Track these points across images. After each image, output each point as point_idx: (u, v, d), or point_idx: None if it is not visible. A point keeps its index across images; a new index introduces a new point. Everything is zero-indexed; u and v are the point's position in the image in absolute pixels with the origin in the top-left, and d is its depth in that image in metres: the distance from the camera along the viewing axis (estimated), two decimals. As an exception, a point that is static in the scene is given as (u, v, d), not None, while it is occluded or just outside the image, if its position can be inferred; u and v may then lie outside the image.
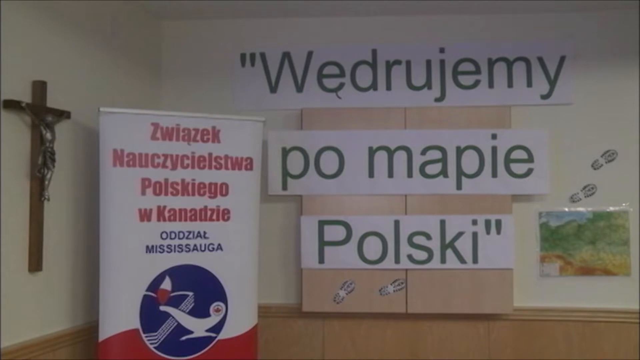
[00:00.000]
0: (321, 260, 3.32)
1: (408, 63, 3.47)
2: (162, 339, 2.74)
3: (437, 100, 3.45)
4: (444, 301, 3.27)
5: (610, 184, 3.33)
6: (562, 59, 3.40)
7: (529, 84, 3.41)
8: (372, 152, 3.33)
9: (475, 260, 3.26)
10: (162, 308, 2.75)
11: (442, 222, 3.29)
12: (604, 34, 3.37)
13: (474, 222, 3.27)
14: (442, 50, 3.46)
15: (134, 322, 2.69)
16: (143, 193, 2.73)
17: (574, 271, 3.34)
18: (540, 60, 3.41)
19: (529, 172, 3.29)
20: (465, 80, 3.44)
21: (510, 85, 3.42)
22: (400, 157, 3.33)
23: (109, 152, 2.66)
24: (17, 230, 2.37)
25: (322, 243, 3.32)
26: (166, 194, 2.78)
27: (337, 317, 3.39)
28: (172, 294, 2.77)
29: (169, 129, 2.81)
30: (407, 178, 3.32)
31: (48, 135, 2.44)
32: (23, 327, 2.40)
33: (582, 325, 3.28)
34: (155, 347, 2.72)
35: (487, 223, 3.27)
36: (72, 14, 2.73)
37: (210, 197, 2.88)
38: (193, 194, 2.85)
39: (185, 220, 2.83)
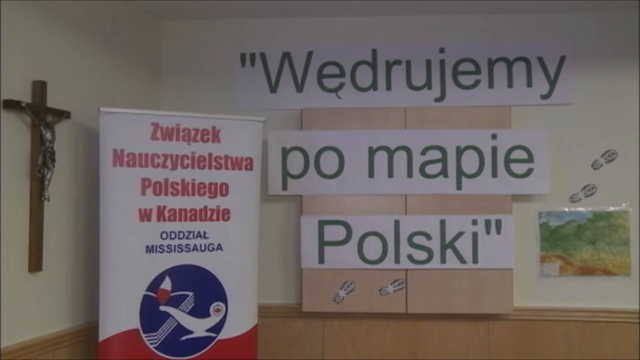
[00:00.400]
0: (321, 260, 3.32)
1: (408, 63, 3.47)
2: (162, 339, 2.74)
3: (437, 100, 3.45)
4: (444, 301, 3.27)
5: (610, 184, 3.33)
6: (562, 59, 3.40)
7: (529, 84, 3.41)
8: (372, 152, 3.33)
9: (475, 260, 3.26)
10: (162, 308, 2.75)
11: (442, 222, 3.29)
12: (604, 34, 3.37)
13: (474, 222, 3.27)
14: (442, 50, 3.46)
15: (134, 322, 2.68)
16: (143, 193, 2.73)
17: (574, 271, 3.34)
18: (540, 60, 3.41)
19: (529, 172, 3.29)
20: (465, 80, 3.44)
21: (510, 85, 3.42)
22: (400, 157, 3.33)
23: (109, 152, 2.66)
24: (17, 230, 2.37)
25: (322, 243, 3.32)
26: (166, 194, 2.78)
27: (337, 317, 3.39)
28: (172, 294, 2.77)
29: (169, 129, 2.80)
30: (407, 178, 3.32)
31: (48, 135, 2.44)
32: (23, 327, 2.40)
33: (582, 325, 3.28)
34: (155, 347, 2.72)
35: (487, 223, 3.27)
36: (72, 14, 2.73)
37: (210, 197, 2.88)
38: (193, 194, 2.85)
39: (185, 220, 2.83)
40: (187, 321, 2.79)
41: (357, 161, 3.34)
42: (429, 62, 3.46)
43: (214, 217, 2.89)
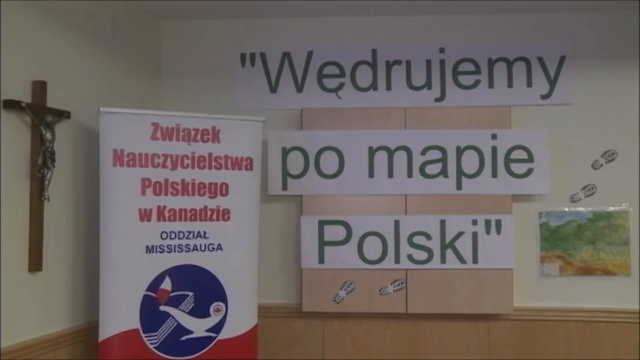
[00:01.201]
0: (321, 260, 3.32)
1: (408, 63, 3.47)
2: (162, 339, 2.74)
3: (437, 100, 3.45)
4: (444, 301, 3.27)
5: (610, 184, 3.33)
6: (562, 59, 3.40)
7: (529, 84, 3.41)
8: (372, 152, 3.33)
9: (475, 260, 3.26)
10: (162, 308, 2.75)
11: (442, 222, 3.29)
12: (604, 34, 3.37)
13: (474, 222, 3.27)
14: (442, 50, 3.46)
15: (134, 322, 2.69)
16: (143, 193, 2.73)
17: (574, 271, 3.34)
18: (540, 60, 3.41)
19: (529, 172, 3.29)
20: (465, 80, 3.44)
21: (510, 85, 3.42)
22: (400, 157, 3.33)
23: (109, 152, 2.66)
24: (17, 230, 2.37)
25: (322, 243, 3.32)
26: (166, 194, 2.78)
27: (337, 317, 3.39)
28: (172, 294, 2.77)
29: (169, 129, 2.81)
30: (407, 178, 3.32)
31: (48, 135, 2.44)
32: (23, 327, 2.40)
33: (582, 325, 3.28)
34: (155, 347, 2.72)
35: (487, 223, 3.27)
36: (72, 14, 2.73)
37: (210, 197, 2.88)
38: (193, 194, 2.85)
39: (185, 220, 2.83)
40: (187, 321, 2.79)
41: (357, 161, 3.34)
42: (429, 62, 3.46)
43: (214, 217, 2.89)
